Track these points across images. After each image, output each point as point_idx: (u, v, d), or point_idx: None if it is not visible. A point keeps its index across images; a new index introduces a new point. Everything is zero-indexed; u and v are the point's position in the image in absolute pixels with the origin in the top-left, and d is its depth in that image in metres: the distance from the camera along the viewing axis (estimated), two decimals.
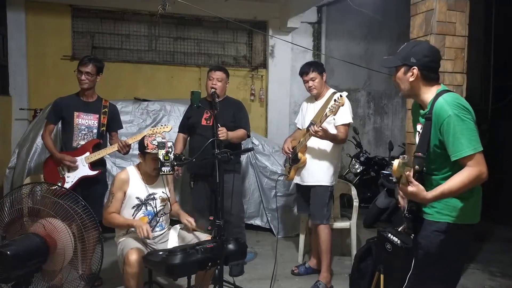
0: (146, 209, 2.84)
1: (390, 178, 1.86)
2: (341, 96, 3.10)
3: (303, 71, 3.50)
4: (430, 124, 1.96)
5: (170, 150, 2.44)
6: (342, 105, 3.06)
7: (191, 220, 2.83)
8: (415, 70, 2.00)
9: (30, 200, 2.54)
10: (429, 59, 2.01)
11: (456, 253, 2.04)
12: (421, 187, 1.85)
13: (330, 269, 3.49)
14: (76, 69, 3.35)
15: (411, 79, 2.01)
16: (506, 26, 5.62)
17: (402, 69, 2.04)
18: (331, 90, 3.49)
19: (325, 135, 3.20)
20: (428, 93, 2.03)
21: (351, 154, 6.21)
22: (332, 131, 3.34)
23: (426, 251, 2.03)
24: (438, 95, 1.98)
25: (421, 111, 2.07)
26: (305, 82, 3.50)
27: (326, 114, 3.14)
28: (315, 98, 3.54)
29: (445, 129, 1.89)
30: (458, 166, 1.90)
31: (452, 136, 1.86)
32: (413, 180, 1.83)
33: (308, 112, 3.54)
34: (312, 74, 3.44)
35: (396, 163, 1.82)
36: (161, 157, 2.41)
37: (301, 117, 3.68)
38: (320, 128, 3.14)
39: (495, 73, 5.89)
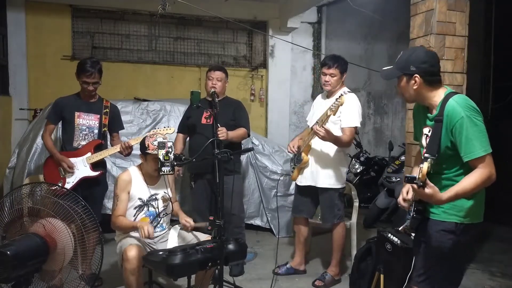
0: (148, 209, 2.84)
1: (415, 182, 1.82)
2: (341, 95, 3.08)
3: (326, 63, 3.36)
4: (441, 126, 1.97)
5: (170, 150, 2.44)
6: (341, 105, 3.02)
7: (189, 220, 2.83)
8: (417, 78, 2.00)
9: (30, 200, 2.54)
10: (428, 65, 2.01)
11: (463, 252, 2.08)
12: (436, 188, 1.86)
13: (340, 265, 3.52)
14: (79, 77, 3.26)
15: (415, 87, 2.02)
16: (506, 26, 5.61)
17: (404, 79, 2.04)
18: (344, 89, 3.39)
19: (327, 136, 3.10)
20: (435, 97, 2.03)
21: (351, 154, 6.21)
22: (337, 132, 3.28)
23: (433, 251, 2.05)
24: (447, 97, 1.99)
25: (429, 114, 2.07)
26: (323, 74, 3.37)
27: (327, 113, 3.10)
28: (326, 95, 3.46)
29: (457, 131, 1.91)
30: (467, 164, 1.93)
31: (465, 137, 1.89)
32: (429, 182, 1.84)
33: (319, 109, 3.45)
34: (333, 70, 3.33)
35: (425, 167, 1.82)
36: (161, 157, 2.41)
37: (311, 114, 3.61)
38: (322, 128, 3.07)
39: (495, 73, 5.89)
